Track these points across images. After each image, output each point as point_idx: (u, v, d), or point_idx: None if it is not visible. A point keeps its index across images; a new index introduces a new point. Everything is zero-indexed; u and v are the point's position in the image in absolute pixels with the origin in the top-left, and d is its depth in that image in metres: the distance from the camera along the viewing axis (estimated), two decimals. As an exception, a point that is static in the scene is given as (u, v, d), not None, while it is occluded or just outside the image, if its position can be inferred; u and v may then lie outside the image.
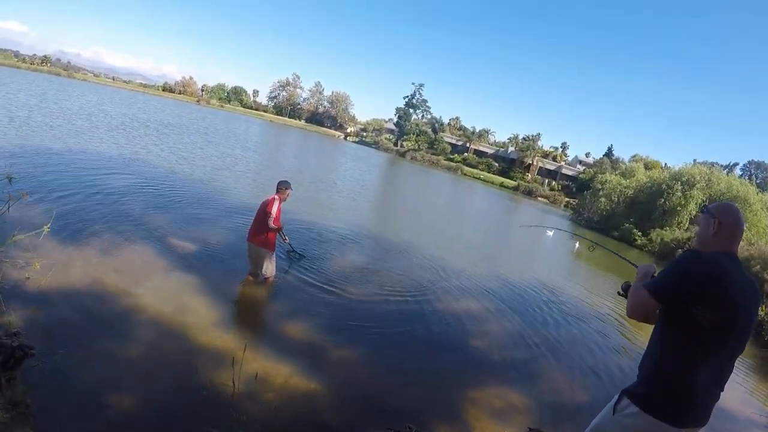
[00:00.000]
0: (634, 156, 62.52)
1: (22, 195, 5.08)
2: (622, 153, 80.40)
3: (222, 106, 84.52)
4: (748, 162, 79.66)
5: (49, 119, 18.04)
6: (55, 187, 8.58)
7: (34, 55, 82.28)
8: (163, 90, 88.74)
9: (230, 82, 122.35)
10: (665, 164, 52.15)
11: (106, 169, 11.23)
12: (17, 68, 70.82)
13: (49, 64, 77.39)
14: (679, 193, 28.98)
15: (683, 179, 30.63)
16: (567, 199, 55.98)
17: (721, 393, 2.06)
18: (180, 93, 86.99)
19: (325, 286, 6.81)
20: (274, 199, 6.16)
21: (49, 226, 4.57)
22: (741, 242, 1.98)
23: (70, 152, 12.34)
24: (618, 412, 2.08)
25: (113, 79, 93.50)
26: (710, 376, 1.95)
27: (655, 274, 2.23)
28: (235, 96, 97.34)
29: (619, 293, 2.53)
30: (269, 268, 6.32)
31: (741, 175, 65.27)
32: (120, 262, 6.01)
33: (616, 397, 2.15)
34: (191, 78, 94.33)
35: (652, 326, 2.18)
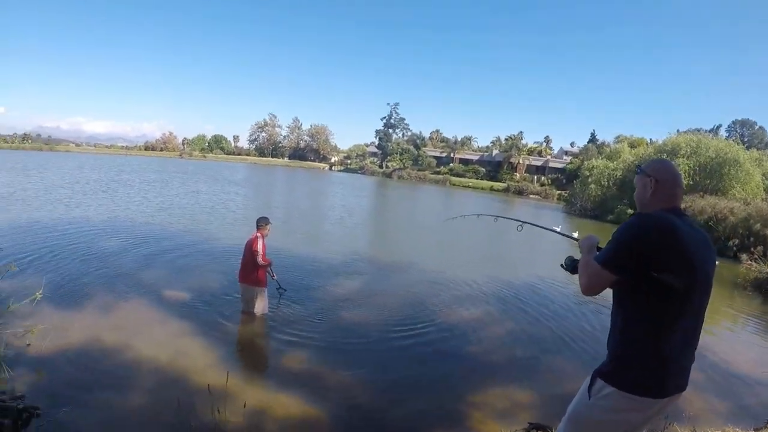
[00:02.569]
0: (618, 137, 59.29)
1: (10, 267, 5.21)
2: (606, 136, 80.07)
3: (205, 156, 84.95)
4: (733, 122, 77.57)
5: (32, 193, 18.13)
6: (44, 255, 8.68)
7: (14, 134, 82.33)
8: (145, 149, 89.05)
9: (210, 132, 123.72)
10: (650, 140, 50.19)
11: (93, 232, 11.31)
12: (-2, 148, 70.86)
13: (30, 141, 77.52)
14: (667, 166, 28.50)
15: (667, 149, 30.80)
16: (558, 191, 55.96)
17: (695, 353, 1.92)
18: (162, 150, 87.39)
19: (318, 315, 6.88)
20: (257, 237, 6.29)
21: (40, 292, 4.67)
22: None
23: (55, 221, 12.35)
24: (594, 395, 1.90)
25: (95, 146, 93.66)
26: (680, 339, 1.81)
27: (600, 244, 2.07)
28: (216, 144, 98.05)
29: (562, 266, 2.32)
30: (261, 305, 6.43)
31: (727, 137, 62.71)
32: (116, 319, 6.12)
33: (589, 379, 1.96)
34: (171, 133, 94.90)
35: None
